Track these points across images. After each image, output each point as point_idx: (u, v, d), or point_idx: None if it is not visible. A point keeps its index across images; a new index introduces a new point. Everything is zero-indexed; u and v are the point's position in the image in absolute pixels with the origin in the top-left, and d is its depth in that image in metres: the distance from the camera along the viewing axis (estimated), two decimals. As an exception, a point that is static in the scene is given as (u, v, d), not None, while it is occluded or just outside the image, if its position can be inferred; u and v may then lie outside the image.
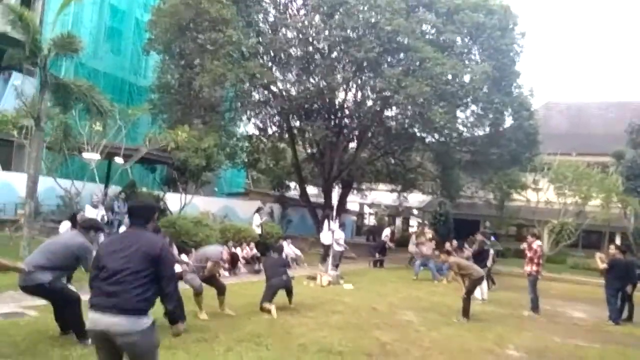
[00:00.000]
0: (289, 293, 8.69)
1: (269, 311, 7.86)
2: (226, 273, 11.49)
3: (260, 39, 20.31)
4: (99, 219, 11.35)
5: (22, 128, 12.81)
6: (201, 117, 20.50)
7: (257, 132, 25.47)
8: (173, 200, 17.49)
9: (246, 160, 24.81)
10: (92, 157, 14.16)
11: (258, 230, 16.23)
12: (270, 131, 25.18)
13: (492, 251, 13.40)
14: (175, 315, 3.45)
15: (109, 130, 14.67)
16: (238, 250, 13.63)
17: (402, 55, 19.81)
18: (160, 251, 3.30)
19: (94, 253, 3.99)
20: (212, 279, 7.59)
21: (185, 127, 15.71)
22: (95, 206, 12.53)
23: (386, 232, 19.68)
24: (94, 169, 14.78)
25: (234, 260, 7.36)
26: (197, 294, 7.24)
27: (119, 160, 15.40)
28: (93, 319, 3.20)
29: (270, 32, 20.88)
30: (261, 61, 20.25)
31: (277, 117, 24.06)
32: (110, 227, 13.39)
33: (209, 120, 20.23)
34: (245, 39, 18.49)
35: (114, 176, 16.83)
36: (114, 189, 16.25)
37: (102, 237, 7.74)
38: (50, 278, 5.29)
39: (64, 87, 11.03)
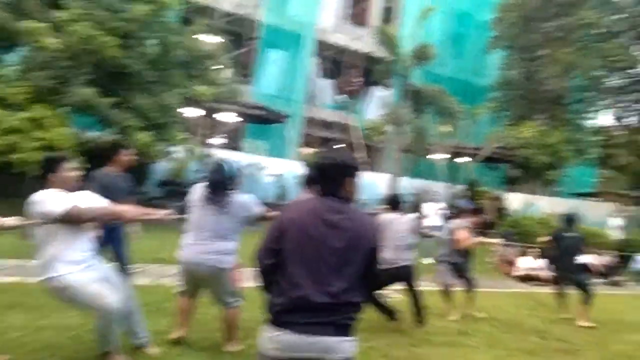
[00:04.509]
0: None
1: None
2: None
3: (620, 15, 17.65)
4: (435, 212, 12.00)
5: (382, 133, 14.70)
6: (545, 112, 19.32)
7: (611, 124, 22.31)
8: (515, 200, 16.99)
9: (597, 156, 21.97)
10: (439, 157, 15.10)
11: (617, 235, 14.08)
12: (627, 121, 21.73)
13: None
14: None
15: (455, 131, 15.32)
16: (592, 258, 12.06)
17: None
18: None
19: None
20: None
21: (532, 123, 15.05)
22: (433, 202, 13.26)
23: None
24: (441, 168, 15.71)
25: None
26: None
27: (462, 159, 15.93)
28: None
29: (633, 4, 17.93)
30: (621, 40, 17.55)
31: (637, 105, 20.65)
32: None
33: (554, 114, 18.89)
34: (600, 18, 16.41)
35: (458, 175, 17.46)
36: (456, 188, 16.87)
37: None
38: None
39: (419, 94, 12.13)
